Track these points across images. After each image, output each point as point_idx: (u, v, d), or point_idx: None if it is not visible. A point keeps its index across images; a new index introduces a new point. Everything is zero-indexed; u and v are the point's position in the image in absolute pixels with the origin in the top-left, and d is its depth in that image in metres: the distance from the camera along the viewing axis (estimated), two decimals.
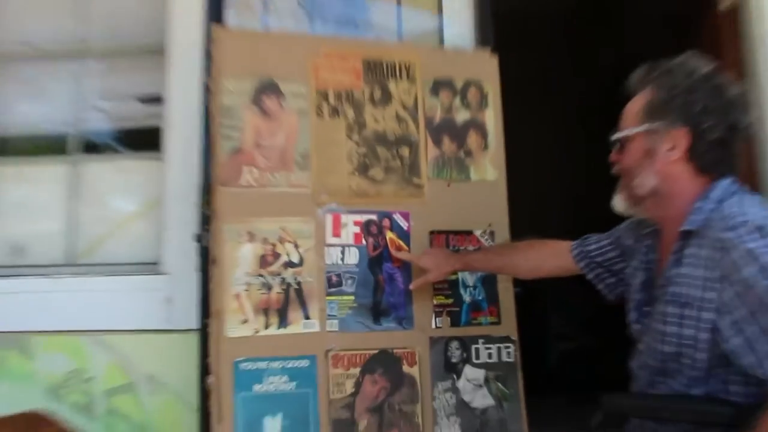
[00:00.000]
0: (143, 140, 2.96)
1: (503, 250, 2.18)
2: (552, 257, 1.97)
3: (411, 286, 2.20)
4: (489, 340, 2.27)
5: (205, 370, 2.06)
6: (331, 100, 2.26)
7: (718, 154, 1.49)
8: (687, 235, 1.47)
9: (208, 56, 2.22)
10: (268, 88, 2.21)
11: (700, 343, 1.39)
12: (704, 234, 1.42)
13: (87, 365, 2.59)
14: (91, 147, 3.03)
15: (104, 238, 2.87)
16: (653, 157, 1.52)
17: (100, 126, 3.04)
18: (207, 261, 2.12)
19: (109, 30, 3.01)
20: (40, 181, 2.98)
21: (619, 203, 1.62)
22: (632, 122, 1.57)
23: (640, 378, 1.57)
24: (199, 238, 2.18)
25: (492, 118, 2.41)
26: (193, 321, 2.20)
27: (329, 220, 2.19)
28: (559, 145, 5.79)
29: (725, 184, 1.49)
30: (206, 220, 2.15)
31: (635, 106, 1.58)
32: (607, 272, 1.83)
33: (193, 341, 2.16)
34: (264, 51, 2.24)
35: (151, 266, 2.72)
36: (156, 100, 2.93)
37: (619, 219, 1.75)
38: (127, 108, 3.01)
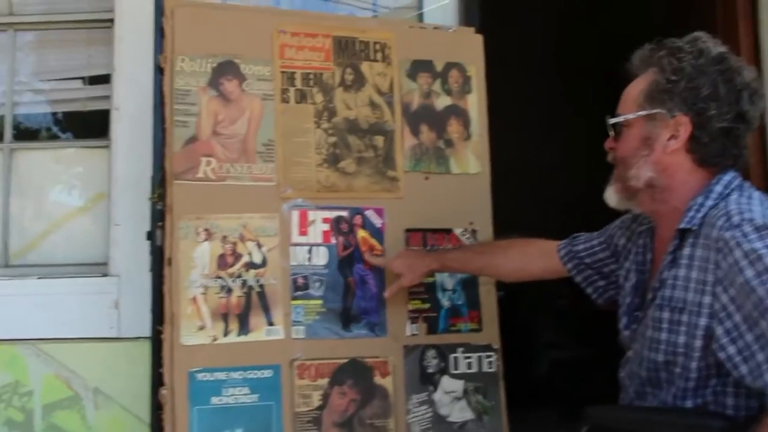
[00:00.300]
0: (87, 125, 3.00)
1: (484, 248, 2.26)
2: (537, 258, 2.05)
3: (385, 294, 2.28)
4: (469, 348, 2.35)
5: (157, 381, 2.12)
6: (298, 83, 2.33)
7: (723, 145, 1.55)
8: (684, 234, 1.53)
9: (161, 32, 2.27)
10: (227, 69, 2.26)
11: (693, 351, 1.46)
12: (701, 233, 1.49)
13: (24, 377, 2.63)
14: (27, 133, 3.05)
15: (43, 236, 2.91)
16: (651, 146, 1.58)
17: (37, 109, 3.06)
18: (160, 261, 2.17)
19: None
20: None
21: (611, 196, 1.67)
22: (631, 107, 1.62)
23: (628, 389, 1.65)
24: (152, 236, 2.24)
25: (475, 104, 2.49)
26: (144, 328, 2.26)
27: (295, 216, 2.26)
28: (549, 133, 5.90)
29: (728, 178, 1.55)
30: (159, 216, 2.20)
31: (635, 89, 1.63)
32: (597, 274, 1.91)
33: (144, 350, 2.23)
34: (223, 27, 2.29)
35: (97, 267, 2.77)
36: (102, 79, 2.97)
37: (612, 214, 1.81)
38: (69, 88, 3.04)
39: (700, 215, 1.51)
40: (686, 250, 1.51)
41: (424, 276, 2.27)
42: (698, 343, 1.45)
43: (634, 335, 1.65)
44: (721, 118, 1.53)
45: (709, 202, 1.52)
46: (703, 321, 1.44)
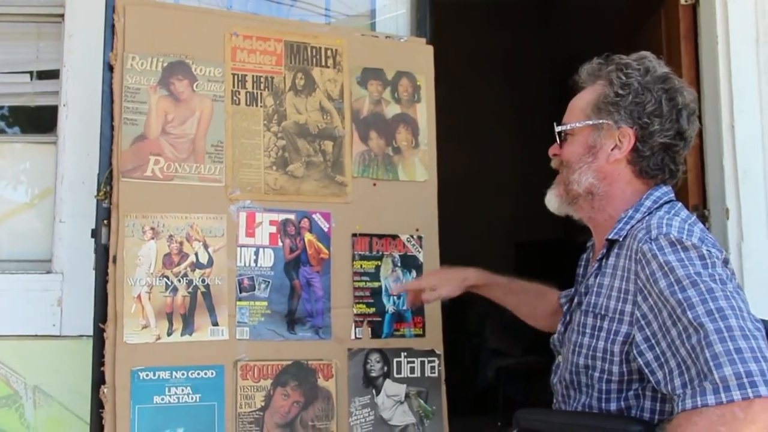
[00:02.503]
0: (34, 120, 2.99)
1: (518, 288, 2.18)
2: (550, 313, 2.07)
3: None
4: (412, 353, 2.42)
5: (99, 380, 2.13)
6: (249, 85, 2.37)
7: (661, 159, 1.66)
8: (612, 244, 1.63)
9: (112, 29, 2.29)
10: (178, 69, 2.30)
11: (613, 356, 1.54)
12: (625, 244, 1.58)
13: None
14: None
15: None
16: (595, 154, 1.68)
17: None
18: (105, 259, 2.19)
19: None
20: None
21: (552, 200, 1.77)
22: (579, 115, 1.72)
23: (557, 392, 1.73)
24: (97, 234, 2.25)
25: (424, 113, 2.56)
26: (86, 326, 2.27)
27: (243, 218, 2.30)
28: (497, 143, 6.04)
29: (659, 194, 1.66)
30: (105, 213, 2.22)
31: (583, 99, 1.73)
32: None
33: (86, 348, 2.23)
34: (174, 26, 2.33)
35: (40, 264, 2.77)
36: (50, 74, 2.96)
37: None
38: (16, 82, 3.03)
39: (627, 227, 1.60)
40: (611, 260, 1.61)
41: (464, 289, 2.16)
42: (617, 348, 1.53)
43: (563, 339, 1.73)
44: (662, 133, 1.63)
45: (638, 215, 1.61)
46: (624, 328, 1.52)
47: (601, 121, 1.68)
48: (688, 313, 1.37)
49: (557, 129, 1.75)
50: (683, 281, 1.41)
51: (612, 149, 1.66)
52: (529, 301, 2.14)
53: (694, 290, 1.39)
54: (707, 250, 1.46)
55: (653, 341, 1.45)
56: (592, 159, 1.68)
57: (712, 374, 1.29)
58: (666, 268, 1.45)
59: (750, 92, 2.74)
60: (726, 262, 1.49)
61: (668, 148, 1.65)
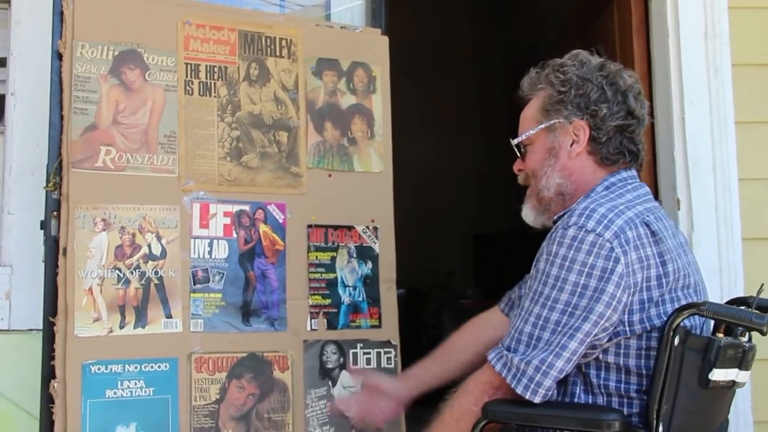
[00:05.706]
0: None
1: (444, 352, 2.17)
2: (487, 327, 2.10)
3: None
4: (368, 344, 2.44)
5: (49, 375, 2.10)
6: (202, 75, 2.36)
7: (619, 142, 1.71)
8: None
9: (61, 16, 2.26)
10: (129, 58, 2.28)
11: None
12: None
13: None
14: None
15: None
16: (557, 155, 1.73)
17: None
18: (55, 252, 2.16)
19: None
20: None
21: (528, 214, 1.81)
22: (531, 123, 1.77)
23: None
24: (46, 226, 2.22)
25: (379, 104, 2.57)
26: (36, 320, 2.24)
27: (196, 209, 2.29)
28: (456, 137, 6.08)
29: (614, 179, 1.70)
30: (55, 204, 2.19)
31: (532, 108, 1.78)
32: None
33: (36, 343, 2.20)
34: (126, 14, 2.30)
35: None
36: None
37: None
38: None
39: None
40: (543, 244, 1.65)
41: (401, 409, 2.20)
42: None
43: None
44: (613, 116, 1.69)
45: (587, 201, 1.64)
46: None
47: (552, 121, 1.72)
48: (533, 305, 1.56)
49: (513, 142, 1.79)
50: (549, 278, 1.54)
51: (571, 145, 1.71)
52: (474, 342, 2.09)
53: (551, 289, 1.54)
54: (610, 248, 1.51)
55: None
56: (554, 160, 1.73)
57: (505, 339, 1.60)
58: (550, 257, 1.56)
59: (699, 85, 2.80)
60: (660, 255, 1.59)
61: (623, 129, 1.71)
